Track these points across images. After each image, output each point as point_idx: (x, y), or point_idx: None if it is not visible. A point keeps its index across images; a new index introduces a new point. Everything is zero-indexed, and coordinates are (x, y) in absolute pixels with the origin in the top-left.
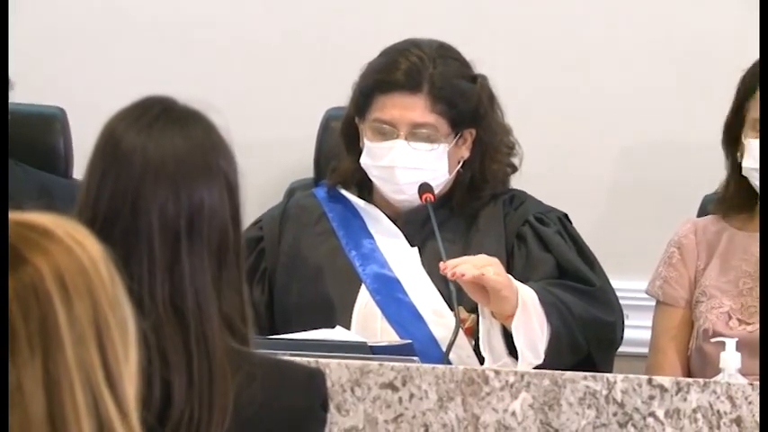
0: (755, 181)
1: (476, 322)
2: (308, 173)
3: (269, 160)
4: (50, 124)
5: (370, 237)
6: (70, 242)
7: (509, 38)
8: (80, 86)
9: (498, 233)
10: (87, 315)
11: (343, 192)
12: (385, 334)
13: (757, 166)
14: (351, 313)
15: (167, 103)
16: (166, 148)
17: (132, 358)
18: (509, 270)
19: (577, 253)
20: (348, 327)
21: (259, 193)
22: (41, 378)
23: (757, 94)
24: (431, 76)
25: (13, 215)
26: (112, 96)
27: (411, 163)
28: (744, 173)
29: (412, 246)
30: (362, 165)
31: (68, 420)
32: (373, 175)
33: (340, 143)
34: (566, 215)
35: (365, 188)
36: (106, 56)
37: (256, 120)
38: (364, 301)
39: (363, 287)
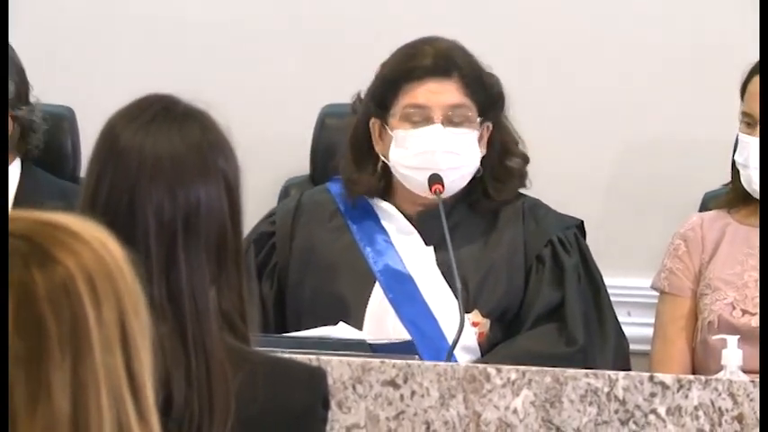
0: (744, 175)
1: (489, 328)
2: (304, 170)
3: (264, 158)
4: (59, 124)
5: (385, 233)
6: (96, 244)
7: (508, 36)
8: (88, 86)
9: (516, 237)
10: (114, 318)
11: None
12: (397, 332)
13: (742, 160)
14: (364, 311)
15: (167, 101)
16: (163, 147)
17: (150, 363)
18: (524, 287)
19: (585, 302)
20: (361, 324)
21: (254, 191)
22: (70, 381)
23: (748, 89)
24: (460, 63)
25: (37, 214)
26: (120, 96)
27: (450, 146)
28: (737, 165)
29: (427, 245)
30: (392, 160)
31: (91, 424)
32: (406, 166)
33: (348, 157)
34: (581, 225)
35: (384, 196)
36: (114, 55)
37: (252, 117)
38: (378, 299)
39: (377, 285)
